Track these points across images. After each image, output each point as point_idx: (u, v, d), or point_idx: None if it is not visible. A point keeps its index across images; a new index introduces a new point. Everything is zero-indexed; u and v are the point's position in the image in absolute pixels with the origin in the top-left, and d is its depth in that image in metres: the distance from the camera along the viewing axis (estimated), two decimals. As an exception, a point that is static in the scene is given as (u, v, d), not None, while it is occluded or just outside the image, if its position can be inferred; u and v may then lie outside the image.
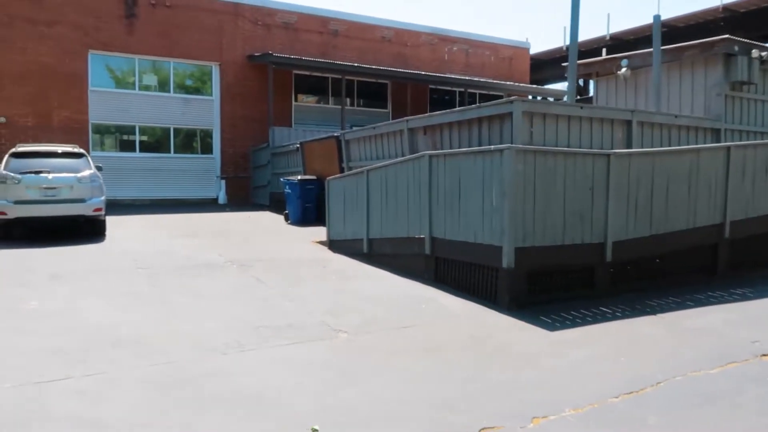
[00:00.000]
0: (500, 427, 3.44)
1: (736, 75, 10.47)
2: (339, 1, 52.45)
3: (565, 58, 12.59)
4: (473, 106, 9.22)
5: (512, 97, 8.55)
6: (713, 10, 22.18)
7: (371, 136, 12.00)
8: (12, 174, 10.09)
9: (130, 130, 18.96)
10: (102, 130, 18.67)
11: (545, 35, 75.52)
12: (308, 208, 13.58)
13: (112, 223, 11.91)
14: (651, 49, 10.98)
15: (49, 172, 10.29)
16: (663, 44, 10.95)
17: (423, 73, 22.31)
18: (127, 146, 18.98)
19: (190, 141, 20.09)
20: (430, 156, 7.47)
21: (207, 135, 20.07)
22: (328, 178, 10.68)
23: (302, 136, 17.60)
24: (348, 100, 21.54)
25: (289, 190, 13.88)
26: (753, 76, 10.60)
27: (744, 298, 6.88)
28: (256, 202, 19.56)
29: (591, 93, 16.48)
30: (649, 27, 20.87)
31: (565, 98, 16.80)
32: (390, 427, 3.46)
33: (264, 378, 4.18)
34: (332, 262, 8.82)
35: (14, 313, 5.74)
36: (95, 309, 5.93)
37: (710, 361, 4.64)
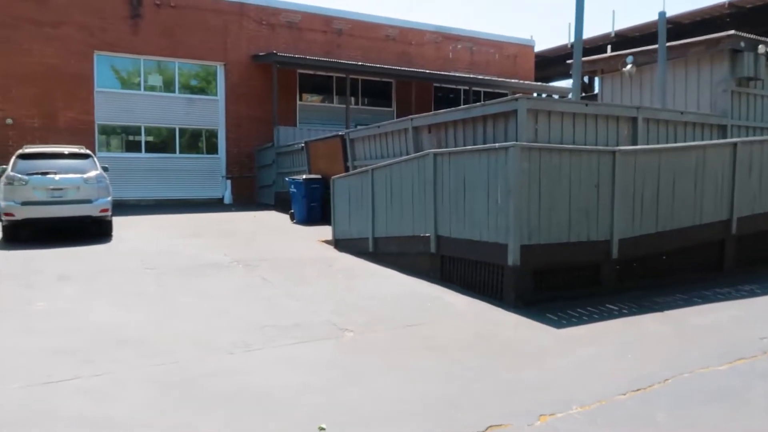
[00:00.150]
0: (508, 425, 3.44)
1: (742, 71, 10.42)
2: (343, 0, 52.51)
3: (570, 56, 12.55)
4: (478, 104, 9.21)
5: (517, 95, 8.53)
6: (719, 6, 22.04)
7: (376, 134, 12.00)
8: (19, 175, 10.15)
9: (136, 130, 19.03)
10: (108, 131, 18.75)
11: (550, 33, 75.32)
12: (313, 208, 13.59)
13: (119, 223, 11.96)
14: (656, 46, 10.93)
15: (55, 173, 10.34)
16: (668, 41, 10.90)
17: (427, 71, 22.28)
18: (132, 147, 19.06)
19: (196, 141, 20.15)
20: (435, 154, 7.47)
21: (212, 135, 20.12)
22: (333, 177, 10.70)
23: (307, 136, 17.62)
24: (352, 99, 21.53)
25: (294, 190, 13.90)
26: (759, 72, 10.53)
27: (751, 294, 6.84)
28: (261, 201, 19.60)
29: (596, 90, 16.41)
30: (654, 24, 20.75)
31: (570, 95, 16.72)
32: (397, 426, 3.46)
33: (270, 377, 4.19)
34: (338, 261, 8.83)
35: (22, 313, 5.78)
36: (102, 309, 5.96)
37: (718, 357, 4.61)
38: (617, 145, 8.41)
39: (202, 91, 20.07)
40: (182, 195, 19.06)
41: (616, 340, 5.13)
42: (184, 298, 6.51)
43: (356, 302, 6.38)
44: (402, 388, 4.01)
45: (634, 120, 9.01)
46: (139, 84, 18.97)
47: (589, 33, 28.58)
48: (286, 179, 15.01)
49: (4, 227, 10.28)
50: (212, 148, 20.14)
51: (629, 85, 12.00)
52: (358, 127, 14.91)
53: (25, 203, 10.04)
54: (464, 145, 8.81)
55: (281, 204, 16.97)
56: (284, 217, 14.81)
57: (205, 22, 19.33)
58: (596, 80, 15.26)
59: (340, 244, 10.03)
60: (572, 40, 13.79)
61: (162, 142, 19.57)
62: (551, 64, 29.01)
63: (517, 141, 7.42)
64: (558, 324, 5.57)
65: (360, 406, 3.73)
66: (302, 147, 15.85)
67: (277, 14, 20.62)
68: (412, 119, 10.63)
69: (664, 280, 7.14)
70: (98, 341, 4.87)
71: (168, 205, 18.16)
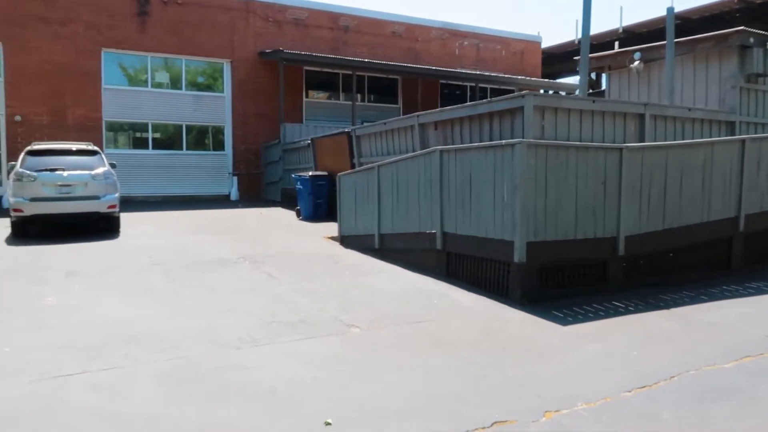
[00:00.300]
0: (513, 421, 3.45)
1: (751, 67, 10.34)
2: (349, -4, 52.35)
3: (577, 52, 12.50)
4: (484, 100, 9.20)
5: (523, 92, 8.51)
6: (728, 2, 21.83)
7: (382, 131, 12.00)
8: (28, 172, 10.23)
9: (143, 127, 19.11)
10: (115, 128, 18.85)
11: (557, 29, 74.94)
12: (319, 204, 13.62)
13: (126, 219, 12.04)
14: (664, 42, 10.87)
15: (64, 170, 10.42)
16: (677, 37, 10.83)
17: (434, 68, 22.23)
18: (140, 143, 19.15)
19: (203, 138, 20.22)
20: (441, 151, 7.47)
21: (219, 132, 20.19)
22: (339, 174, 10.71)
23: (313, 132, 17.64)
24: (359, 95, 21.53)
25: (301, 186, 13.93)
26: (768, 68, 10.45)
27: (759, 292, 6.81)
28: (267, 198, 19.66)
29: (603, 87, 16.33)
30: (662, 19, 20.62)
31: (576, 92, 16.66)
32: (403, 422, 3.48)
33: (277, 372, 4.22)
34: (344, 258, 8.86)
35: (32, 309, 5.85)
36: (111, 305, 6.02)
37: (725, 355, 4.61)
38: (624, 142, 8.38)
39: (209, 88, 20.12)
40: (189, 192, 19.14)
41: (622, 338, 5.13)
42: (192, 293, 6.56)
43: (362, 298, 6.41)
44: (408, 384, 4.03)
45: (642, 117, 8.98)
46: (146, 81, 19.05)
47: (596, 29, 28.41)
48: (293, 176, 15.04)
49: (12, 223, 10.38)
50: (219, 145, 20.20)
51: (637, 82, 11.94)
52: (365, 124, 14.93)
53: (33, 199, 10.12)
54: (471, 142, 8.80)
55: (288, 201, 17.02)
56: (290, 214, 14.85)
57: (212, 19, 19.37)
58: (603, 77, 15.19)
59: (346, 240, 10.05)
60: (579, 36, 13.74)
61: (169, 138, 19.65)
62: (558, 60, 28.88)
63: (523, 138, 7.40)
64: (564, 321, 5.57)
65: (366, 401, 3.76)
66: (308, 144, 15.88)
67: (283, 11, 20.63)
68: (418, 116, 10.63)
69: (671, 278, 7.12)
70: (108, 336, 4.92)
71: (175, 201, 18.25)
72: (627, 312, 5.93)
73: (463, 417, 3.52)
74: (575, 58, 13.00)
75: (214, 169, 19.88)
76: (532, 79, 24.93)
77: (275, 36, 20.36)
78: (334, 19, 21.65)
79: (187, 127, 19.66)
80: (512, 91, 20.65)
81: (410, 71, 21.59)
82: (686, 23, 21.43)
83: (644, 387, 3.97)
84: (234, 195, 19.66)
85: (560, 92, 25.24)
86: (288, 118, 19.55)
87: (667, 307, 6.10)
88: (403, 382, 4.08)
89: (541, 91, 23.48)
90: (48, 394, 3.79)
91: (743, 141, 7.92)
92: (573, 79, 28.98)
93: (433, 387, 3.98)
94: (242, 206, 17.39)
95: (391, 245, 8.69)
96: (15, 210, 10.11)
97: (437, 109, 10.64)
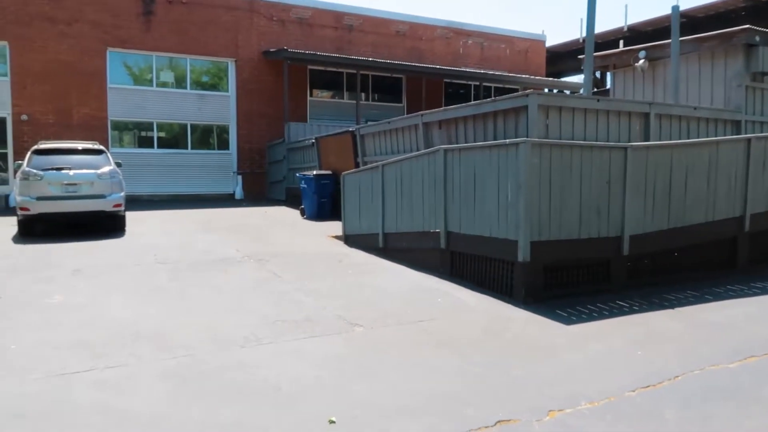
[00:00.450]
0: (516, 421, 3.46)
1: (757, 65, 10.29)
2: (353, -5, 52.38)
3: (581, 50, 12.46)
4: (488, 99, 9.19)
5: (528, 91, 8.50)
6: (734, 0, 21.74)
7: (386, 130, 12.01)
8: (34, 171, 10.30)
9: (148, 126, 19.19)
10: (121, 127, 18.93)
11: (562, 27, 74.72)
12: (323, 203, 13.65)
13: (132, 218, 12.10)
14: (669, 41, 10.83)
15: (70, 169, 10.48)
16: (682, 35, 10.79)
17: (438, 67, 22.22)
18: (145, 142, 19.23)
19: (207, 137, 20.28)
20: (445, 150, 7.47)
21: (223, 131, 20.24)
22: (343, 173, 10.73)
23: (317, 131, 17.67)
24: (363, 94, 21.54)
25: (305, 185, 13.96)
26: (775, 67, 10.39)
27: (764, 292, 6.79)
28: (272, 197, 19.71)
29: (608, 85, 16.28)
30: (667, 18, 20.57)
31: (581, 91, 16.63)
32: (406, 420, 3.49)
33: (281, 371, 4.24)
34: (348, 257, 8.87)
35: (40, 307, 5.89)
36: (117, 303, 6.05)
37: (729, 355, 4.60)
38: (629, 141, 8.36)
39: (213, 87, 20.18)
40: (194, 190, 19.21)
41: (625, 337, 5.12)
42: (197, 292, 6.59)
43: (366, 297, 6.42)
44: (411, 383, 4.04)
45: (647, 116, 8.95)
46: (151, 80, 19.12)
47: (601, 27, 28.31)
48: (297, 175, 15.08)
49: (19, 222, 10.44)
50: (223, 144, 20.26)
51: (642, 81, 11.90)
52: (369, 123, 14.93)
53: (40, 198, 10.18)
54: (475, 141, 8.80)
55: (292, 199, 17.05)
56: (295, 213, 14.88)
57: (216, 18, 19.42)
58: (608, 75, 15.14)
59: (350, 239, 10.07)
60: (584, 34, 13.70)
61: (174, 138, 19.72)
62: (563, 59, 28.80)
63: (527, 137, 7.40)
64: (567, 320, 5.57)
65: (370, 400, 3.77)
66: (313, 143, 15.91)
67: (287, 10, 20.66)
68: (422, 115, 10.63)
69: (676, 277, 7.11)
70: (114, 334, 4.95)
71: (180, 200, 18.32)
72: (631, 311, 5.93)
73: (466, 416, 3.53)
74: (580, 56, 12.97)
75: (218, 168, 19.94)
76: (537, 78, 24.88)
77: (279, 35, 20.40)
78: (338, 18, 21.67)
79: (192, 126, 19.73)
80: (516, 90, 20.62)
81: (414, 70, 21.58)
82: (692, 21, 21.35)
83: (648, 386, 3.97)
84: (239, 194, 19.71)
85: (565, 91, 25.16)
86: (292, 117, 19.59)
87: (671, 306, 6.09)
88: (407, 380, 4.09)
89: (546, 90, 23.42)
90: (54, 391, 3.82)
91: (749, 140, 7.89)
92: (577, 78, 28.91)
93: (437, 386, 3.99)
94: (247, 205, 17.44)
95: (395, 244, 8.71)
96: (22, 209, 10.18)
97: (441, 108, 10.64)
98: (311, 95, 21.54)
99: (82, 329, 5.12)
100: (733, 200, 7.72)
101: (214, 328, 5.18)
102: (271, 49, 19.73)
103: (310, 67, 20.93)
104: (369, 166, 10.18)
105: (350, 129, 14.06)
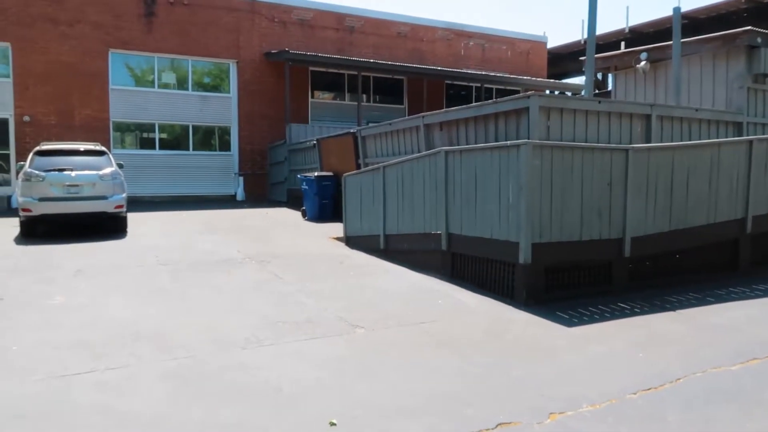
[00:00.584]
0: (517, 423, 3.45)
1: (758, 67, 10.27)
2: (355, -3, 52.42)
3: (583, 52, 12.47)
4: (490, 101, 9.19)
5: (529, 92, 8.50)
6: (736, 1, 21.72)
7: (387, 132, 12.00)
8: (36, 172, 10.31)
9: (150, 127, 19.22)
10: (122, 128, 18.96)
11: (563, 29, 74.71)
12: (325, 205, 13.65)
13: (133, 219, 12.11)
14: (671, 42, 10.81)
15: (72, 170, 10.50)
16: (683, 36, 10.78)
17: (439, 68, 22.23)
18: (147, 144, 19.25)
19: (209, 138, 20.30)
20: (447, 152, 7.47)
21: (225, 132, 20.26)
22: (344, 175, 10.73)
23: (319, 133, 17.68)
24: (364, 96, 21.55)
25: (306, 187, 13.96)
26: (776, 69, 10.38)
27: (766, 294, 6.78)
28: (273, 198, 19.72)
29: (609, 87, 16.28)
30: (669, 19, 20.53)
31: (582, 92, 16.64)
32: (407, 422, 3.49)
33: (282, 372, 4.24)
34: (349, 258, 8.87)
35: (41, 308, 5.89)
36: (118, 304, 6.06)
37: (731, 357, 4.59)
38: (630, 143, 8.35)
39: (215, 88, 20.20)
40: (195, 192, 19.22)
41: (627, 339, 5.12)
42: (198, 293, 6.60)
43: (367, 299, 6.42)
44: (413, 385, 4.04)
45: (648, 117, 8.94)
46: (153, 82, 19.15)
47: (602, 29, 28.31)
48: (298, 176, 15.08)
49: (21, 223, 10.47)
50: (225, 145, 20.28)
51: (643, 82, 11.89)
52: (370, 125, 14.94)
53: (42, 199, 10.20)
54: (476, 143, 8.80)
55: (293, 201, 17.06)
56: (296, 214, 14.89)
57: (218, 19, 19.45)
58: (610, 77, 15.14)
59: (351, 241, 10.07)
60: (585, 36, 13.70)
61: (176, 139, 19.75)
62: (564, 60, 28.80)
63: (529, 139, 7.40)
64: (569, 322, 5.56)
65: (371, 401, 3.77)
66: (314, 144, 15.92)
67: (289, 12, 20.69)
68: (423, 117, 10.63)
69: (677, 279, 7.09)
70: (116, 335, 4.96)
71: (181, 201, 18.34)
72: (632, 313, 5.92)
73: (467, 417, 3.52)
74: (581, 58, 12.98)
75: (220, 170, 19.96)
76: (538, 79, 24.87)
77: (281, 37, 20.42)
78: (340, 19, 21.69)
79: (194, 127, 19.75)
80: (518, 92, 20.64)
81: (415, 72, 21.59)
82: (693, 23, 21.33)
83: (649, 389, 3.96)
84: (240, 195, 19.72)
85: (566, 93, 25.16)
86: (294, 119, 19.60)
87: (672, 308, 6.08)
88: (407, 382, 4.09)
89: (547, 92, 23.44)
90: (55, 392, 3.82)
91: (751, 142, 7.88)
92: (579, 80, 28.89)
93: (438, 387, 3.98)
94: (248, 206, 17.45)
95: (396, 246, 8.70)
96: (24, 210, 10.20)
97: (442, 110, 10.64)
98: (313, 97, 21.56)
99: (82, 330, 5.12)
100: (734, 202, 7.70)
101: (215, 329, 5.18)
102: (273, 51, 19.75)
103: (311, 68, 20.95)
104: (370, 167, 10.18)
105: (351, 130, 14.07)
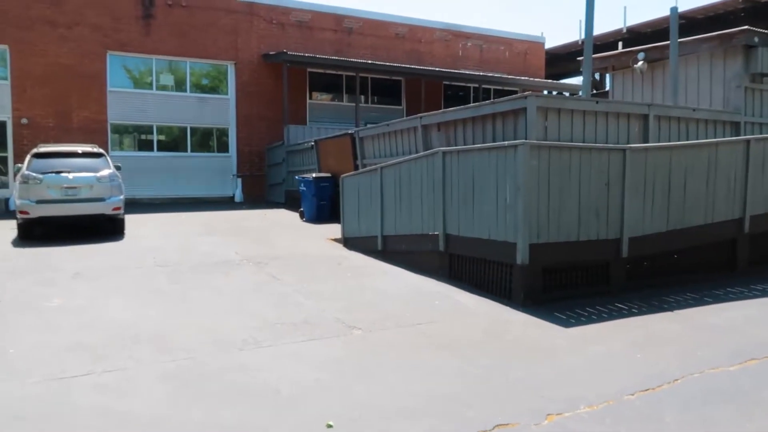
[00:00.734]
0: (515, 424, 3.46)
1: (756, 67, 10.30)
2: (353, -2, 52.53)
3: (580, 52, 12.48)
4: (487, 102, 9.20)
5: (526, 93, 8.52)
6: (733, 1, 21.76)
7: (385, 133, 12.01)
8: (34, 174, 10.30)
9: (148, 129, 19.20)
10: (120, 130, 18.94)
11: (561, 29, 74.80)
12: (323, 206, 13.64)
13: (131, 221, 12.10)
14: (668, 42, 10.84)
15: (69, 172, 10.48)
16: (681, 36, 10.81)
17: (437, 69, 22.24)
18: (144, 146, 19.23)
19: (207, 140, 20.29)
20: (444, 152, 7.48)
21: (223, 134, 20.25)
22: (342, 176, 10.73)
23: (317, 134, 17.68)
24: (362, 97, 21.55)
25: (304, 188, 13.96)
26: (773, 68, 10.41)
27: (764, 294, 6.79)
28: (271, 199, 19.71)
29: (607, 87, 16.30)
30: (666, 19, 20.58)
31: (580, 93, 16.62)
32: (405, 423, 3.49)
33: (281, 374, 4.24)
34: (347, 259, 8.87)
35: (39, 310, 5.89)
36: (117, 306, 6.05)
37: (729, 358, 4.60)
38: (628, 143, 8.37)
39: (213, 90, 20.19)
40: (194, 193, 19.21)
41: (625, 340, 5.12)
42: (197, 295, 6.59)
43: (365, 300, 6.42)
44: (411, 386, 4.04)
45: (645, 117, 8.96)
46: (151, 83, 19.14)
47: (600, 29, 28.36)
48: (296, 178, 15.07)
49: (19, 225, 10.45)
50: (223, 147, 20.27)
51: (641, 82, 11.91)
52: (368, 126, 14.94)
53: (39, 201, 10.18)
54: (473, 144, 8.81)
55: (291, 202, 17.05)
56: (294, 216, 14.88)
57: (216, 21, 19.44)
58: (607, 77, 15.16)
59: (349, 242, 10.07)
60: (583, 36, 13.71)
61: (174, 140, 19.73)
62: (562, 61, 28.83)
63: (526, 139, 7.40)
64: (567, 323, 5.57)
65: (369, 402, 3.77)
66: (312, 145, 15.92)
67: (287, 13, 20.69)
68: (421, 117, 10.64)
69: (675, 279, 7.11)
70: (113, 337, 4.96)
71: (179, 203, 18.32)
72: (630, 314, 5.93)
73: (465, 419, 3.53)
74: (579, 58, 12.99)
75: (218, 171, 19.95)
76: (536, 79, 24.90)
77: (279, 38, 20.42)
78: (338, 21, 21.69)
79: (192, 129, 19.74)
80: (516, 92, 20.68)
81: (413, 73, 21.60)
82: (691, 23, 21.38)
83: (647, 390, 3.97)
84: (238, 197, 19.71)
85: (564, 93, 25.20)
86: (292, 120, 19.60)
87: (670, 309, 6.09)
88: (405, 383, 4.09)
89: (545, 92, 23.47)
90: (54, 394, 3.82)
91: (748, 141, 7.89)
92: (576, 80, 28.95)
93: (436, 389, 3.99)
94: (246, 208, 17.44)
95: (394, 247, 8.71)
96: (21, 212, 10.18)
97: (440, 111, 10.65)
98: (311, 98, 21.56)
99: (81, 331, 5.12)
100: (732, 202, 7.72)
101: (214, 331, 5.18)
102: (271, 52, 19.75)
103: (309, 69, 20.95)
104: (368, 168, 10.19)
105: (349, 131, 14.07)
